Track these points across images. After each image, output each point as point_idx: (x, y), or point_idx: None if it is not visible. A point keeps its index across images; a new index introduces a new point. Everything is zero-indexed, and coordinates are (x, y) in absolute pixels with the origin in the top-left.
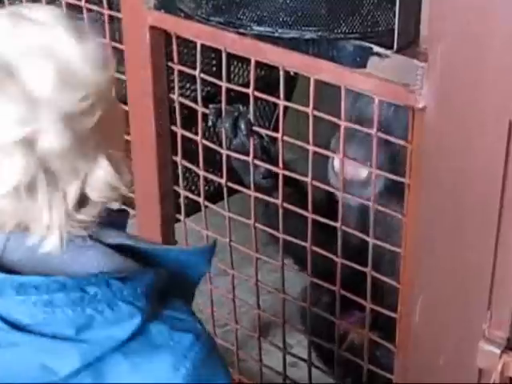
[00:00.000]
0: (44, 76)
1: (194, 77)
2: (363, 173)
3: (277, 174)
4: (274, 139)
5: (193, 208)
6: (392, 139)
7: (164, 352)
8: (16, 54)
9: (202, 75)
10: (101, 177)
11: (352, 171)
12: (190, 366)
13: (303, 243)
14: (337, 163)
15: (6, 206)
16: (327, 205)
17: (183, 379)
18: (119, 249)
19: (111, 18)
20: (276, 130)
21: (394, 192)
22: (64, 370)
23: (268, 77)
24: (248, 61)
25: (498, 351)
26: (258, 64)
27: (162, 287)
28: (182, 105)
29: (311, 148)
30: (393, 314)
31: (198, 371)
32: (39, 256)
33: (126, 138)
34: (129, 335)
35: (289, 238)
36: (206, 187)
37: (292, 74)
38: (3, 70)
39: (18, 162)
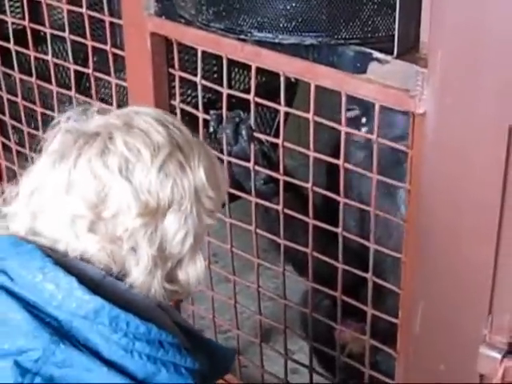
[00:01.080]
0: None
1: (195, 83)
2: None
3: (277, 180)
4: (275, 145)
5: None
6: (392, 144)
7: None
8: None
9: (203, 81)
10: (196, 267)
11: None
12: None
13: (303, 249)
14: None
15: (117, 252)
16: (326, 211)
17: None
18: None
19: (112, 24)
20: (277, 136)
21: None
22: None
23: (269, 83)
24: (249, 67)
25: (498, 356)
26: (259, 70)
27: (204, 373)
28: (183, 111)
29: (312, 154)
30: (394, 320)
31: None
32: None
33: None
34: None
35: (288, 244)
36: None
37: (293, 80)
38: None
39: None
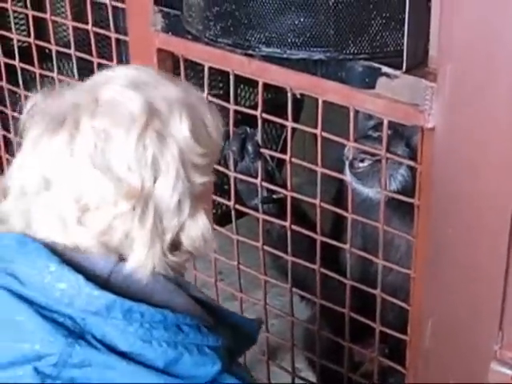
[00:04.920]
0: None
1: None
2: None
3: (277, 201)
4: (281, 163)
5: None
6: (400, 159)
7: None
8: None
9: (210, 98)
10: (199, 227)
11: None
12: None
13: (310, 264)
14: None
15: (110, 241)
16: (331, 232)
17: None
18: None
19: (118, 41)
20: (284, 152)
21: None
22: None
23: (275, 99)
24: (254, 83)
25: (509, 372)
26: (266, 87)
27: (230, 347)
28: None
29: (319, 170)
30: (403, 336)
31: None
32: (133, 286)
33: None
34: (209, 379)
35: (292, 259)
36: (214, 210)
37: (298, 95)
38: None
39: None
